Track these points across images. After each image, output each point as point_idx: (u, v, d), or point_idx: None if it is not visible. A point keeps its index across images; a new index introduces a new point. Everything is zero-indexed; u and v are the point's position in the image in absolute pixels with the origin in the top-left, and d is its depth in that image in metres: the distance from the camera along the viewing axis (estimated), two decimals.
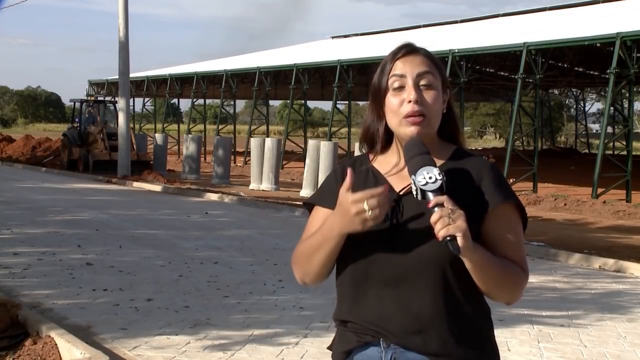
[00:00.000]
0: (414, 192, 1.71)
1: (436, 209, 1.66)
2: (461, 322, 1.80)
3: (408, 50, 1.86)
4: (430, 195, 1.68)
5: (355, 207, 1.68)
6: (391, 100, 1.84)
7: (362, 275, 1.84)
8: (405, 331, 1.79)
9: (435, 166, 1.71)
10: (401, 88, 1.83)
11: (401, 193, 1.84)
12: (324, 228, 1.80)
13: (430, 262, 1.77)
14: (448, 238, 1.64)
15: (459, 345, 1.79)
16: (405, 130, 1.82)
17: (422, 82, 1.82)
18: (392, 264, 1.80)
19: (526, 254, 1.89)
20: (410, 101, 1.80)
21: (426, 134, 1.82)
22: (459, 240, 1.64)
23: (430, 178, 1.68)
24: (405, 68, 1.83)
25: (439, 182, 1.68)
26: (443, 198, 1.66)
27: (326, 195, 1.94)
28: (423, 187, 1.69)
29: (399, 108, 1.82)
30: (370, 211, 1.67)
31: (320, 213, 1.95)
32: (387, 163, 1.91)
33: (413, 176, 1.71)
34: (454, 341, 1.78)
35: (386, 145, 1.92)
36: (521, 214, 1.86)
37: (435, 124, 1.85)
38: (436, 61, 1.88)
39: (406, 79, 1.82)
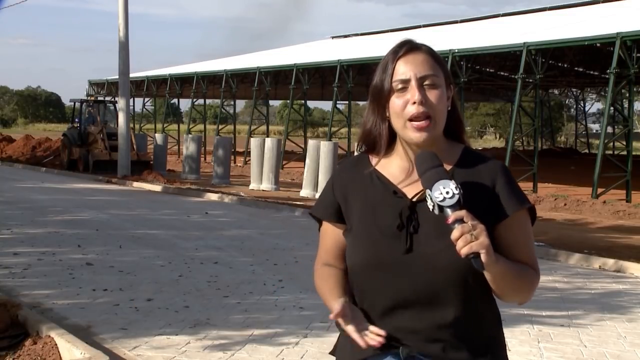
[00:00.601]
0: (430, 207, 1.68)
1: (456, 225, 1.63)
2: (480, 329, 1.80)
3: (409, 47, 1.81)
4: (448, 210, 1.65)
5: (347, 331, 1.74)
6: (395, 102, 1.79)
7: (378, 285, 1.80)
8: (425, 340, 1.77)
9: (451, 179, 1.68)
10: (404, 89, 1.78)
11: (414, 199, 1.79)
12: (328, 302, 1.85)
13: (452, 276, 1.74)
14: (471, 255, 1.62)
15: (477, 352, 1.78)
16: (410, 135, 1.77)
17: (426, 82, 1.78)
18: (410, 275, 1.76)
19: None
20: (414, 102, 1.76)
21: (432, 137, 1.78)
22: (483, 257, 1.62)
23: (447, 193, 1.65)
24: (408, 69, 1.78)
25: (456, 197, 1.65)
26: (462, 213, 1.63)
27: (325, 210, 1.93)
28: (441, 203, 1.66)
29: (402, 110, 1.77)
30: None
31: (327, 227, 1.95)
32: (392, 166, 1.86)
33: (429, 191, 1.68)
34: (472, 347, 1.78)
35: (388, 147, 1.87)
36: (531, 214, 1.84)
37: (441, 124, 1.80)
38: (438, 58, 1.84)
39: (410, 80, 1.77)
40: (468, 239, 1.61)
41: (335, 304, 1.76)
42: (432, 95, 1.77)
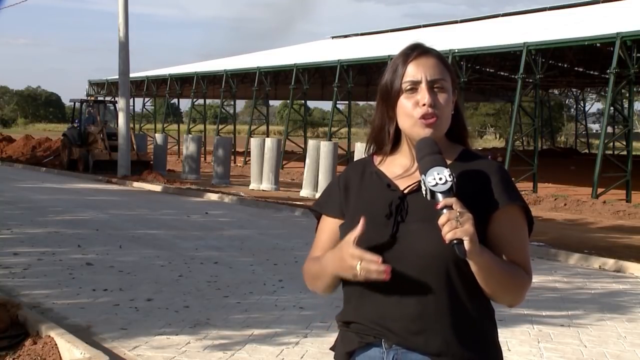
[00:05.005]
0: (423, 192, 1.71)
1: (444, 210, 1.65)
2: (464, 322, 1.79)
3: (420, 51, 1.87)
4: (439, 196, 1.68)
5: (350, 260, 1.72)
6: (404, 103, 1.84)
7: None
8: (408, 331, 1.78)
9: (446, 167, 1.71)
10: (414, 90, 1.83)
11: (405, 191, 1.83)
12: (322, 262, 1.86)
13: (434, 262, 1.76)
14: (455, 241, 1.64)
15: (461, 346, 1.78)
16: (419, 131, 1.82)
17: (436, 86, 1.83)
18: (396, 262, 1.77)
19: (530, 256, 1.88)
20: (424, 104, 1.81)
21: (437, 135, 1.83)
22: (466, 244, 1.64)
23: (440, 179, 1.68)
24: (419, 71, 1.83)
25: (449, 184, 1.68)
26: (452, 200, 1.66)
27: (329, 204, 1.98)
28: (432, 188, 1.68)
29: (412, 110, 1.82)
30: (361, 271, 1.71)
31: (326, 222, 1.98)
32: (395, 165, 1.91)
33: (423, 176, 1.71)
34: (456, 341, 1.77)
35: (394, 147, 1.92)
36: (527, 217, 1.85)
37: (446, 125, 1.86)
38: (447, 63, 1.89)
39: (420, 82, 1.82)
40: (453, 224, 1.64)
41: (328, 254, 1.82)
42: (441, 97, 1.83)
